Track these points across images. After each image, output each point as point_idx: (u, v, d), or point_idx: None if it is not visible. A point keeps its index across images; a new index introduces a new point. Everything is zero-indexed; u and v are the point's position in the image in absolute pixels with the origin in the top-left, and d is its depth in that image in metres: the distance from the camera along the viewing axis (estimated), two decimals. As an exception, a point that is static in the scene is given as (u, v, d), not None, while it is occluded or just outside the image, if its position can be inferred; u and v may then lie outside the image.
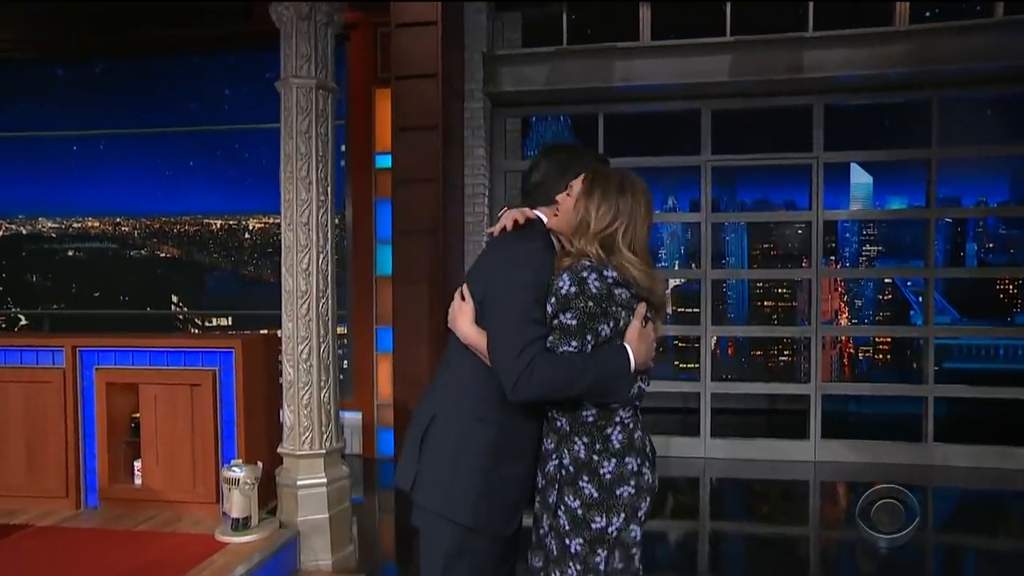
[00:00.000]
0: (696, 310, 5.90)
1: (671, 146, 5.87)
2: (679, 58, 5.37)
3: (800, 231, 6.31)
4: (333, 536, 3.46)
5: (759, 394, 6.78)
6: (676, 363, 6.61)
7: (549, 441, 1.81)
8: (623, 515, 1.74)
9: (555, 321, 1.70)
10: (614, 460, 1.75)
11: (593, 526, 1.72)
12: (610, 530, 1.72)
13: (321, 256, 3.42)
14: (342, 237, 6.07)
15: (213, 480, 3.61)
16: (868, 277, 13.30)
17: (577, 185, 1.85)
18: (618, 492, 1.73)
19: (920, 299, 5.57)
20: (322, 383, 3.44)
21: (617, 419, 1.76)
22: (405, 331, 5.16)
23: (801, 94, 5.41)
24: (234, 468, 3.24)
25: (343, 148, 6.14)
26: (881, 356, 10.79)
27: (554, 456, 1.79)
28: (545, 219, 1.90)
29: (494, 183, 5.88)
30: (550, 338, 1.69)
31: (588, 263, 1.73)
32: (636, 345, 1.71)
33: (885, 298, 12.05)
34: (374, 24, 5.85)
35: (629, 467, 1.75)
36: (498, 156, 5.94)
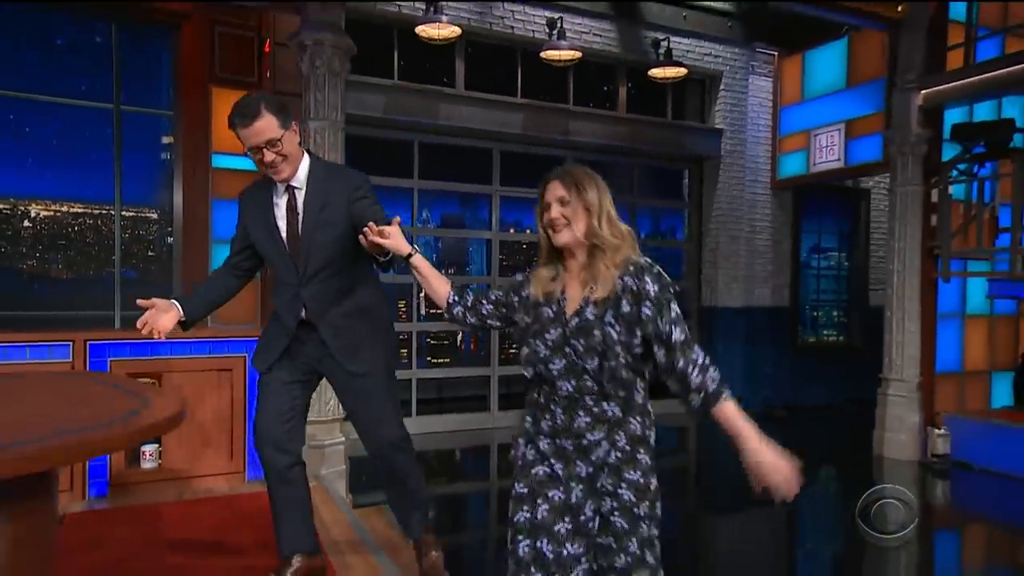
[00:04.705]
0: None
1: (463, 175, 7.36)
2: (487, 109, 6.92)
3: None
4: (349, 481, 4.37)
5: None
6: (428, 359, 8.08)
7: (595, 433, 1.88)
8: (655, 477, 1.95)
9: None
10: (654, 429, 1.97)
11: (652, 487, 1.90)
12: (654, 488, 1.92)
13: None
14: (164, 234, 6.00)
15: (243, 451, 4.06)
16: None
17: None
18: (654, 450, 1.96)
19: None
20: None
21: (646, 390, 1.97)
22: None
23: (563, 148, 7.48)
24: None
25: (164, 140, 6.04)
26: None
27: (603, 443, 1.88)
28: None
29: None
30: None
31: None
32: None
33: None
34: (211, 21, 5.89)
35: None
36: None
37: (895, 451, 6.07)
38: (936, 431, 5.98)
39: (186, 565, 2.90)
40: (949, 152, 6.11)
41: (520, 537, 1.86)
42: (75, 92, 5.54)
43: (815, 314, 9.15)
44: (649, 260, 1.90)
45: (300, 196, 2.51)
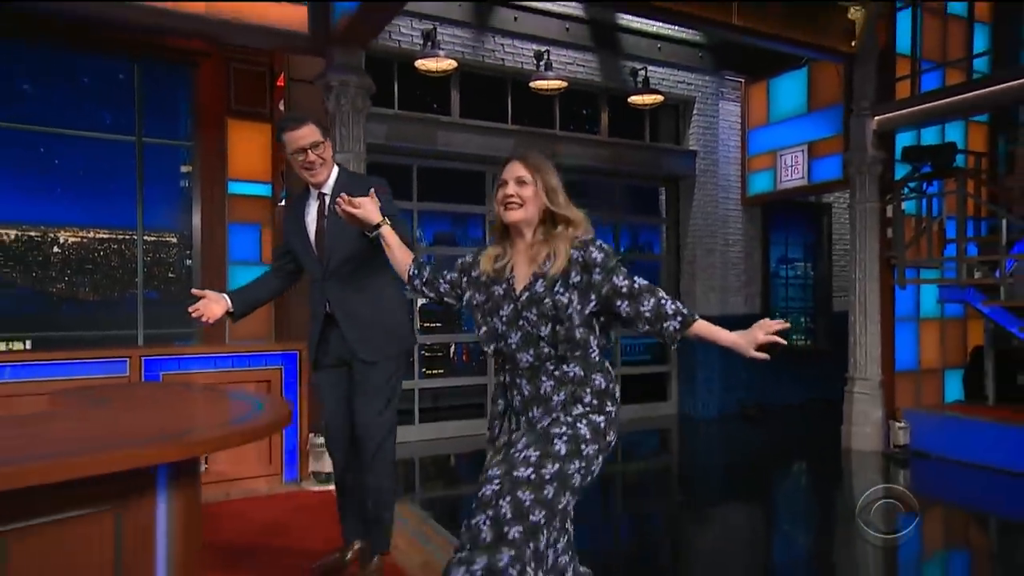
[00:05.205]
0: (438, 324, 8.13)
1: (458, 196, 7.86)
2: (481, 135, 7.43)
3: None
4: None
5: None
6: (424, 370, 8.46)
7: (561, 394, 1.98)
8: (615, 432, 2.04)
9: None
10: (617, 387, 2.08)
11: (608, 438, 2.00)
12: (609, 439, 2.02)
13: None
14: (183, 257, 6.39)
15: (280, 456, 4.45)
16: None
17: None
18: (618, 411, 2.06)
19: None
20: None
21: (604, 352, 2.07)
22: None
23: (551, 172, 7.99)
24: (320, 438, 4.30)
25: (183, 169, 6.44)
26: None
27: (569, 401, 1.98)
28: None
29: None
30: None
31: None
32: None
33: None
34: (227, 58, 6.31)
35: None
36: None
37: (861, 443, 6.66)
38: (897, 424, 6.59)
39: (238, 559, 3.28)
40: (901, 172, 6.77)
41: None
42: (100, 126, 5.97)
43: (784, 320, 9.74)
44: (591, 237, 2.07)
45: (328, 201, 2.84)
